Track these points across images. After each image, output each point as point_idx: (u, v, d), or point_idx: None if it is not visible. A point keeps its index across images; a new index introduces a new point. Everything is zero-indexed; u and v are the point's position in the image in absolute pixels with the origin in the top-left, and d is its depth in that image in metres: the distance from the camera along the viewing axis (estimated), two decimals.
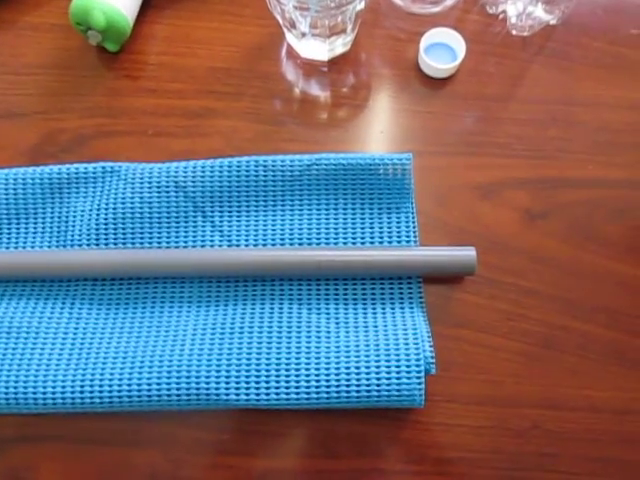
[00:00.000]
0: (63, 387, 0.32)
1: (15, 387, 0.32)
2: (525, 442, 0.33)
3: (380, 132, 0.40)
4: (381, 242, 0.36)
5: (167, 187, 0.36)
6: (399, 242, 0.36)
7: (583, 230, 0.37)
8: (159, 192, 0.36)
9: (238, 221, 0.36)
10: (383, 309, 0.34)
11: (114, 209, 0.36)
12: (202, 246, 0.36)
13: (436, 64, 0.40)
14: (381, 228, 0.36)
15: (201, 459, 0.33)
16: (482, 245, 0.36)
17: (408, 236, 0.36)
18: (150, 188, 0.36)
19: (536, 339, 0.35)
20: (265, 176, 0.36)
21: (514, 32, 0.42)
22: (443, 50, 0.41)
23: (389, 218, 0.36)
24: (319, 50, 0.40)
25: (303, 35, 0.38)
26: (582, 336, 0.35)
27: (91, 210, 0.36)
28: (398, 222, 0.36)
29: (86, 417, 0.33)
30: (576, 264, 0.37)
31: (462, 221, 0.38)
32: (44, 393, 0.32)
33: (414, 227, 0.36)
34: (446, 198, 0.38)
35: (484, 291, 0.36)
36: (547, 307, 0.36)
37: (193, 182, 0.36)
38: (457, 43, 0.40)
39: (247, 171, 0.36)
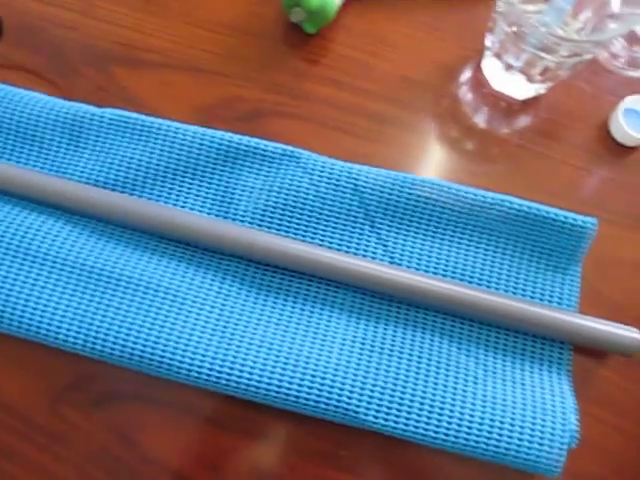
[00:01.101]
0: (202, 361, 0.31)
1: (153, 348, 0.32)
2: None
3: (553, 185, 0.39)
4: (541, 300, 0.35)
5: (345, 188, 0.35)
6: (559, 304, 0.35)
7: None
8: (336, 190, 0.35)
9: (404, 240, 0.35)
10: (531, 368, 0.33)
11: (286, 195, 0.35)
12: (363, 256, 0.35)
13: (634, 132, 0.38)
14: (544, 285, 0.35)
15: (312, 469, 0.33)
16: (638, 327, 0.34)
17: (570, 300, 0.35)
18: (328, 184, 0.35)
19: None
20: (444, 203, 0.35)
21: None
22: (636, 117, 0.40)
23: (554, 277, 0.35)
24: (519, 88, 0.39)
25: (509, 68, 0.37)
26: None
27: (262, 189, 0.36)
28: (562, 284, 0.35)
29: (208, 394, 0.33)
30: None
31: (622, 298, 0.36)
32: (181, 362, 0.31)
33: (576, 293, 0.35)
34: (609, 270, 0.37)
35: (630, 375, 0.35)
36: None
37: (372, 189, 0.35)
38: None
39: (430, 193, 0.35)
